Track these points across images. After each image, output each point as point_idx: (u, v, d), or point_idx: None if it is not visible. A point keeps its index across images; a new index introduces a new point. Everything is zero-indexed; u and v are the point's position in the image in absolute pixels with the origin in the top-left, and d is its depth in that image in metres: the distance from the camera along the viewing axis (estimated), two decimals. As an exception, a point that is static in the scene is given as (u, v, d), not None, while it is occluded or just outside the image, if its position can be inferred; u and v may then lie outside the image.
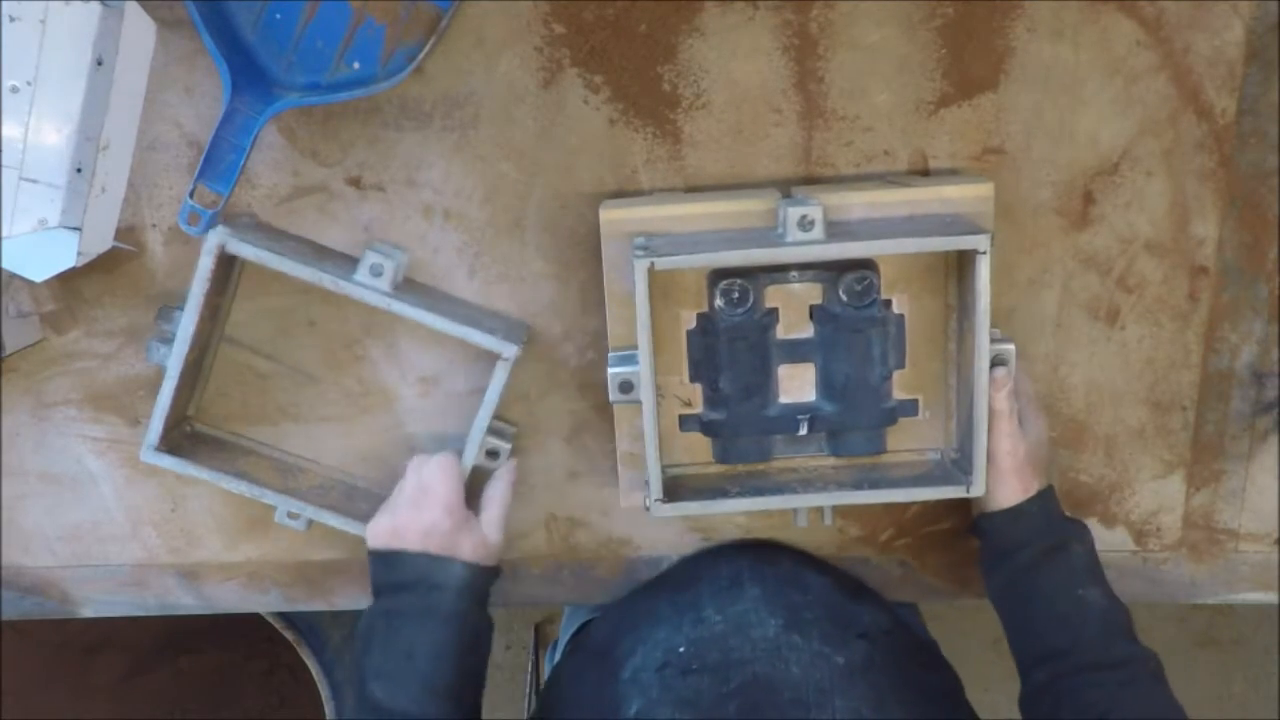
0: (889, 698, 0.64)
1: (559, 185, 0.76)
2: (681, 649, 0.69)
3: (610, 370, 0.71)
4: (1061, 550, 0.71)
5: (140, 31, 0.71)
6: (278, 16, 0.70)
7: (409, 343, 0.81)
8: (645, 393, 0.69)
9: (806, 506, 0.74)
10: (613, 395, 0.71)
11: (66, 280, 0.79)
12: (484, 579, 0.75)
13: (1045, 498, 0.73)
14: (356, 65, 0.71)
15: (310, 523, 0.79)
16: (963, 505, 0.82)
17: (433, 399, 0.82)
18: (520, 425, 0.82)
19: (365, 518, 0.76)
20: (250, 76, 0.70)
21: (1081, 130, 0.73)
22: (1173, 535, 0.84)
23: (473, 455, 0.77)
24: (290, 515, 0.79)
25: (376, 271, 0.73)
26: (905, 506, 0.84)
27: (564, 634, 0.98)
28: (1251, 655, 1.78)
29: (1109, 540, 0.84)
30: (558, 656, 0.94)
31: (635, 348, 0.69)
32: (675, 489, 0.74)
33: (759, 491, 0.73)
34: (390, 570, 0.73)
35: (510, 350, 0.74)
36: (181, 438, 0.80)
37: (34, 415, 0.83)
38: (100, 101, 0.69)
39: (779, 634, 0.68)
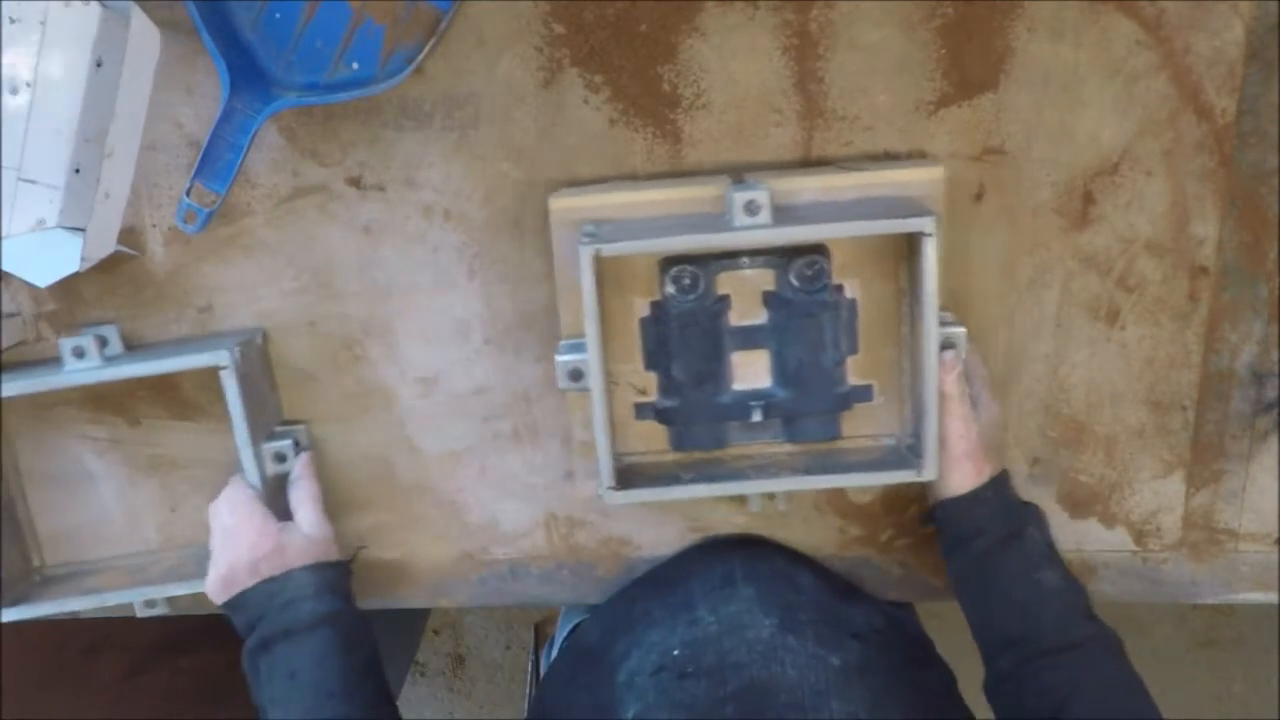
0: (884, 699, 0.64)
1: (559, 185, 0.76)
2: (676, 651, 0.69)
3: (558, 358, 0.71)
4: (1017, 537, 0.71)
5: (145, 40, 0.71)
6: (277, 16, 0.70)
7: (409, 343, 0.81)
8: (594, 380, 0.68)
9: (759, 492, 0.74)
10: (561, 383, 0.71)
11: (66, 281, 0.79)
12: (332, 576, 0.75)
13: (999, 483, 0.72)
14: (356, 66, 0.71)
15: (169, 601, 0.82)
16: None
17: (433, 399, 0.82)
18: (521, 425, 0.82)
19: None
20: (249, 76, 0.70)
21: (1081, 130, 0.73)
22: (1173, 535, 0.84)
23: (254, 473, 0.77)
24: (147, 604, 0.82)
25: (79, 354, 0.76)
26: (905, 506, 0.84)
27: (560, 632, 0.98)
28: (1251, 655, 1.77)
29: (1109, 540, 0.84)
30: (554, 655, 0.94)
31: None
32: (630, 477, 0.73)
33: (712, 478, 0.73)
34: (243, 612, 0.74)
35: (222, 358, 0.74)
36: (31, 587, 0.83)
37: (34, 415, 0.83)
38: (101, 103, 0.69)
39: (774, 635, 0.68)
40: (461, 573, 0.88)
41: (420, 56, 0.71)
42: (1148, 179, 0.74)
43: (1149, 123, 0.73)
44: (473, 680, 1.96)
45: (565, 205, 0.71)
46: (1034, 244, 0.76)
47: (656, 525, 0.85)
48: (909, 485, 0.83)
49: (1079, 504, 0.83)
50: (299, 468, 0.79)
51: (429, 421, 0.83)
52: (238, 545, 0.74)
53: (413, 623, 1.49)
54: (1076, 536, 0.84)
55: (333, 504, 0.85)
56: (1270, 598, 0.85)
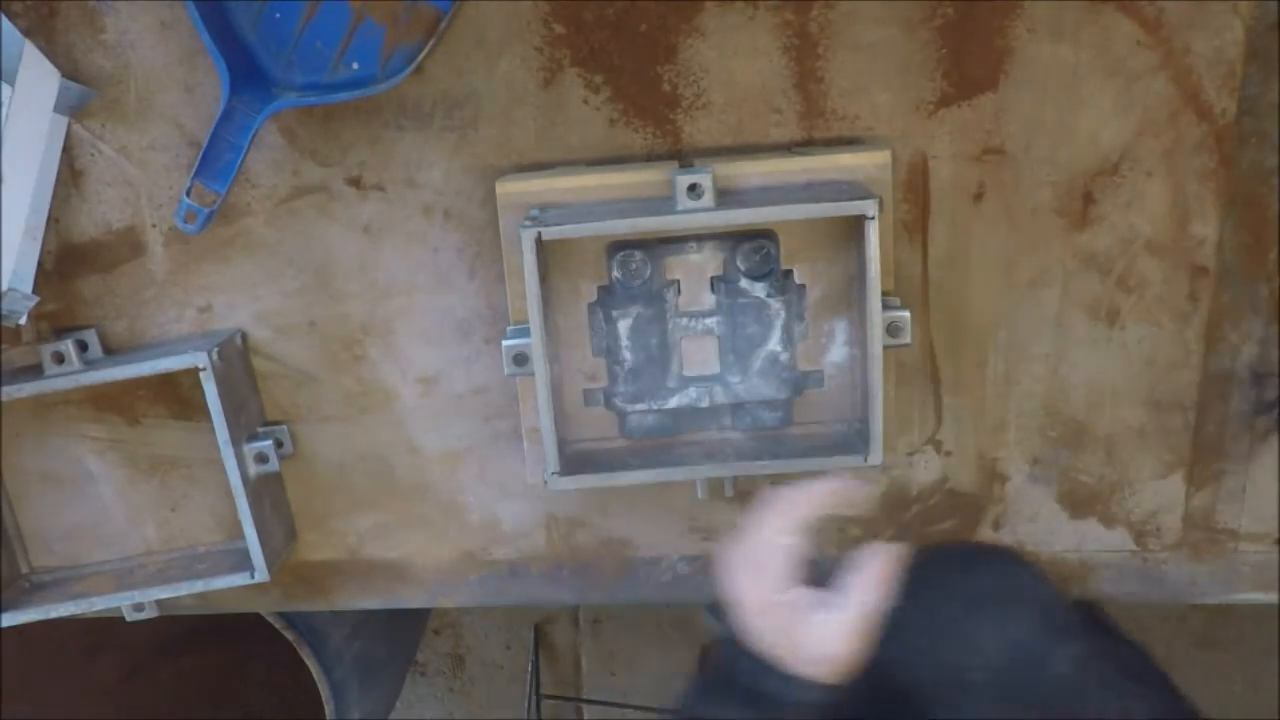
0: None
1: (559, 185, 0.76)
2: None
3: (504, 343, 0.71)
4: None
5: (39, 79, 0.70)
6: (277, 16, 0.70)
7: (409, 343, 0.81)
8: (538, 364, 0.68)
9: (706, 478, 0.74)
10: (507, 368, 0.71)
11: (66, 280, 0.79)
12: None
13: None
14: (356, 65, 0.71)
15: (158, 604, 0.83)
16: (964, 506, 0.82)
17: (432, 399, 0.82)
18: (521, 425, 0.82)
19: (204, 576, 0.81)
20: (249, 76, 0.70)
21: (1081, 130, 0.73)
22: (1173, 535, 0.84)
23: (235, 474, 0.77)
24: (135, 608, 0.83)
25: (59, 359, 0.76)
26: (906, 506, 0.84)
27: None
28: (1251, 655, 1.77)
29: (1109, 540, 0.84)
30: None
31: None
32: (578, 463, 0.73)
33: (660, 464, 0.73)
34: None
35: (200, 359, 0.74)
36: (20, 594, 0.84)
37: (34, 415, 0.83)
38: None
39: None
40: (461, 573, 0.88)
41: (420, 56, 0.71)
42: (1148, 179, 0.74)
43: (1149, 123, 0.73)
44: (473, 680, 1.96)
45: (512, 189, 0.71)
46: (1034, 244, 0.76)
47: (657, 525, 0.85)
48: (912, 486, 0.83)
49: (1079, 504, 0.83)
50: None
51: (429, 421, 0.83)
52: None
53: (413, 623, 1.49)
54: (1076, 536, 0.84)
55: (333, 504, 0.86)
56: (1270, 598, 0.85)
